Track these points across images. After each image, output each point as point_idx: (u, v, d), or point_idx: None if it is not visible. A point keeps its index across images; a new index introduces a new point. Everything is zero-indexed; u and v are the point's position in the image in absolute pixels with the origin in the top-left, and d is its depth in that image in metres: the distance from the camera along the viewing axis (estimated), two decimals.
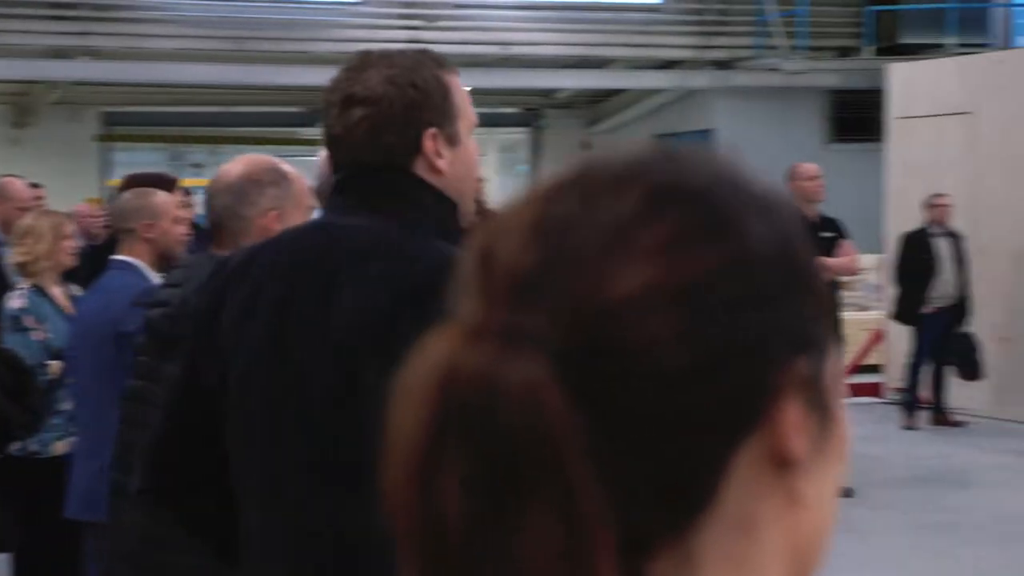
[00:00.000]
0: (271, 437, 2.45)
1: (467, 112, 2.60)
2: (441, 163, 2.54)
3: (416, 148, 2.53)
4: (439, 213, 2.54)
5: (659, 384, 0.79)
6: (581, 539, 0.76)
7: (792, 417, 0.83)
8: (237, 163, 3.61)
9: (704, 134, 20.75)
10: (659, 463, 0.79)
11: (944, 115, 13.80)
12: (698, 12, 20.69)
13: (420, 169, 2.54)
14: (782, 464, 0.84)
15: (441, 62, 2.60)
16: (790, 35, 20.15)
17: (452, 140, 2.56)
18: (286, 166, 3.63)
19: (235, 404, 2.49)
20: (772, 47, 20.15)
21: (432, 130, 2.53)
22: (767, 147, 20.30)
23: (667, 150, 0.87)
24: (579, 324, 0.79)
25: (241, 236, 3.49)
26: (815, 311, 0.87)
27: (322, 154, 3.92)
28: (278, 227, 3.49)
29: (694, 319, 0.80)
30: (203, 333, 2.54)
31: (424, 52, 2.60)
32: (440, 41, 19.58)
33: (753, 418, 0.82)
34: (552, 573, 0.76)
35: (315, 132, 19.76)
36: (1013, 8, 21.17)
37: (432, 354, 0.81)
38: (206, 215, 3.62)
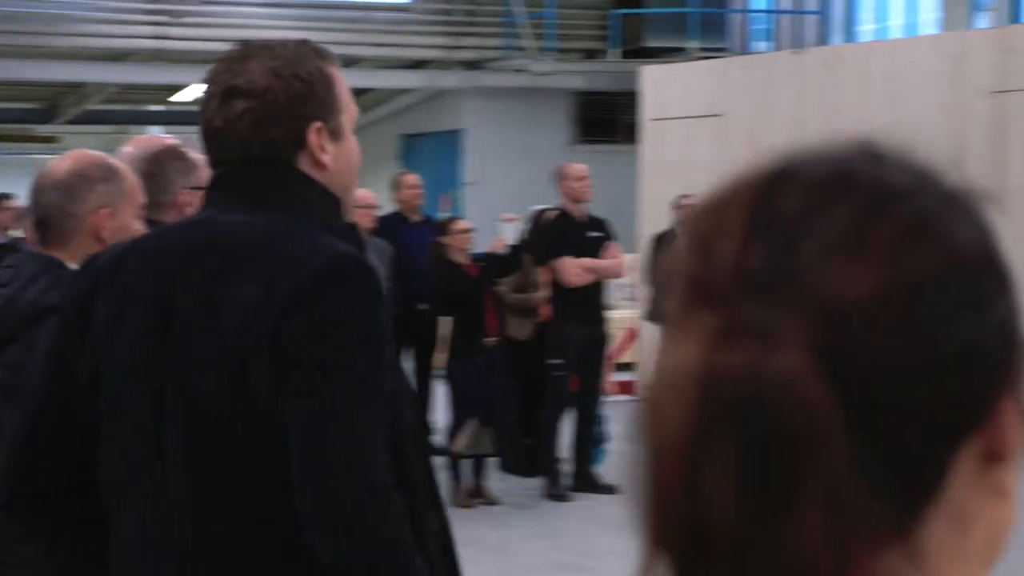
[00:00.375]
0: (155, 436, 2.36)
1: (350, 106, 2.54)
2: (325, 158, 2.47)
3: (300, 142, 2.45)
4: (323, 209, 2.47)
5: (899, 380, 0.82)
6: (843, 529, 0.79)
7: (1010, 414, 0.86)
8: (65, 159, 3.45)
9: (453, 134, 20.83)
10: (898, 457, 0.82)
11: (695, 117, 14.12)
12: (446, 12, 20.76)
13: (304, 164, 2.47)
14: (995, 459, 0.86)
15: (323, 54, 2.53)
16: (538, 37, 20.36)
17: (336, 134, 2.49)
18: (116, 161, 3.49)
19: (112, 404, 2.39)
20: (520, 48, 20.33)
21: (316, 124, 2.46)
22: (515, 147, 20.51)
23: (867, 148, 0.89)
24: (826, 321, 0.81)
25: (71, 235, 3.35)
26: (1016, 307, 0.89)
27: (124, 149, 3.79)
28: (110, 225, 3.36)
29: (926, 318, 0.83)
30: (72, 333, 2.43)
31: (305, 43, 2.52)
32: (185, 37, 19.27)
33: (980, 415, 0.85)
34: (818, 561, 0.79)
35: (52, 129, 19.08)
36: (749, 14, 21.78)
37: (682, 353, 0.82)
38: (32, 213, 3.45)
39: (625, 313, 14.64)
